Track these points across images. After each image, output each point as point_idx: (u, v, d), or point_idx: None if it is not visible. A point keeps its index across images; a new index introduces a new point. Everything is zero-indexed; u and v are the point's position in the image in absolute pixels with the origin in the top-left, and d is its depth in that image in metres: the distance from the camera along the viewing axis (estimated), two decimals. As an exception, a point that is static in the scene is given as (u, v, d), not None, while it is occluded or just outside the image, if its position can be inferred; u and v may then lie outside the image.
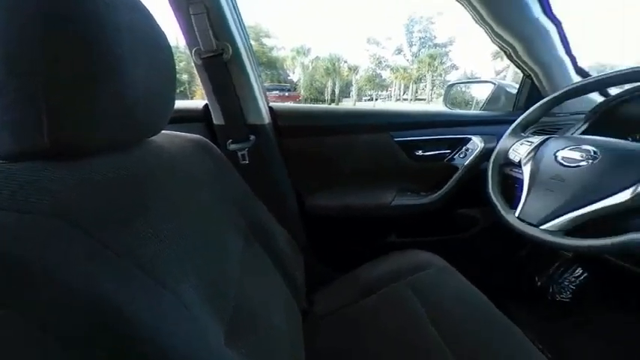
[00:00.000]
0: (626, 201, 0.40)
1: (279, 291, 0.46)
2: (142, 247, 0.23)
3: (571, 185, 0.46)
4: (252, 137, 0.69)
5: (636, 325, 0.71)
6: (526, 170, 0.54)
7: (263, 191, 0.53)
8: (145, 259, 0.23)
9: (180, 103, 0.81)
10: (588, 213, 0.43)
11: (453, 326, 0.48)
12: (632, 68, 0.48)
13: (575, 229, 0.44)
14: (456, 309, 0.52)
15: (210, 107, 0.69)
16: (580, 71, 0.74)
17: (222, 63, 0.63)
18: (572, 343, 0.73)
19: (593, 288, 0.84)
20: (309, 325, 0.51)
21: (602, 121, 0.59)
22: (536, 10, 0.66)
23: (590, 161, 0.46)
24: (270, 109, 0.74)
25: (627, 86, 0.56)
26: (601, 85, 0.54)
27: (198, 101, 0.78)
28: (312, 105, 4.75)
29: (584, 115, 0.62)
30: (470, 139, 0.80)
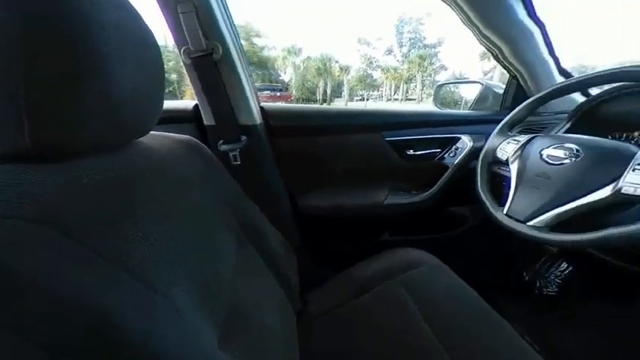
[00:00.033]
0: (606, 197, 0.41)
1: (272, 292, 0.46)
2: (131, 251, 0.22)
3: (556, 182, 0.48)
4: (243, 138, 0.68)
5: (619, 316, 0.74)
6: (513, 168, 0.56)
7: (255, 192, 0.53)
8: (135, 263, 0.22)
9: (169, 104, 0.80)
10: (572, 209, 0.44)
11: (445, 323, 0.49)
12: (611, 69, 0.50)
13: (560, 224, 0.46)
14: (447, 306, 0.52)
15: (200, 107, 0.68)
16: (563, 72, 0.76)
17: (212, 62, 0.62)
18: (559, 335, 0.75)
19: (577, 281, 0.87)
20: (303, 326, 0.51)
21: (584, 120, 0.61)
22: (521, 13, 0.68)
23: (573, 159, 0.48)
24: (262, 109, 0.74)
25: (607, 87, 0.58)
26: (582, 85, 0.56)
27: (187, 101, 0.76)
28: (303, 105, 4.74)
29: (567, 115, 0.64)
30: (459, 139, 0.82)
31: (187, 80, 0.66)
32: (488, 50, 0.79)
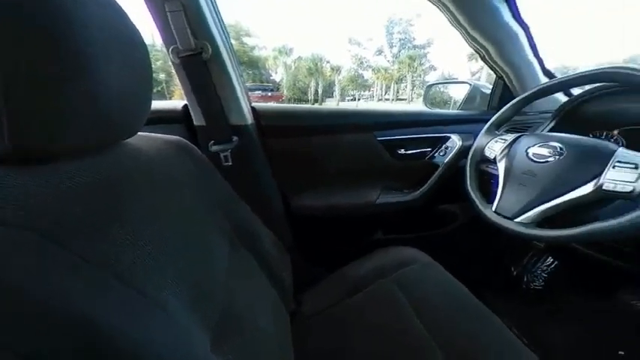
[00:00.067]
0: (588, 193, 0.43)
1: (266, 293, 0.45)
2: (119, 255, 0.22)
3: (541, 180, 0.49)
4: (235, 138, 0.67)
5: (602, 311, 0.77)
6: (501, 166, 0.57)
7: (248, 193, 0.52)
8: (124, 267, 0.22)
9: (157, 104, 0.79)
10: (556, 205, 0.46)
11: (437, 319, 0.50)
12: (591, 70, 0.51)
13: (546, 220, 0.47)
14: (439, 302, 0.53)
15: (189, 108, 0.67)
16: (547, 73, 0.79)
17: (201, 62, 0.61)
18: (545, 329, 0.77)
19: (562, 275, 0.90)
20: (298, 326, 0.51)
21: (566, 119, 0.63)
22: (506, 15, 0.70)
23: (557, 157, 0.49)
24: (253, 109, 0.73)
25: (587, 87, 0.60)
26: (565, 86, 0.58)
27: (176, 101, 0.75)
28: (295, 105, 4.73)
29: (551, 114, 0.66)
30: (449, 138, 0.84)
31: (176, 80, 0.65)
32: (476, 51, 0.81)
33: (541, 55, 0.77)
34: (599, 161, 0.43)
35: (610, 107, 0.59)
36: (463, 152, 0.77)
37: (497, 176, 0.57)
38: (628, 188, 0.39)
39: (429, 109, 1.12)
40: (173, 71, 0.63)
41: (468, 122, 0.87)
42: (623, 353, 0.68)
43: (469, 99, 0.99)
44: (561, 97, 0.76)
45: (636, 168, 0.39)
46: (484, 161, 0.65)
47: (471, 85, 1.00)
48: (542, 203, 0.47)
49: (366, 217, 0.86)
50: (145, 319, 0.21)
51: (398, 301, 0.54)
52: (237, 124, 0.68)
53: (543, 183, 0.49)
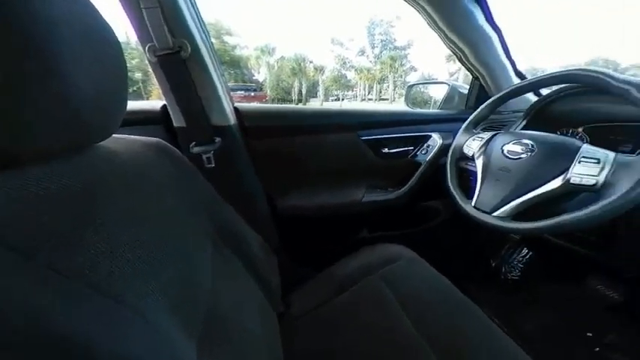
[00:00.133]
0: (558, 187, 0.46)
1: (252, 295, 0.45)
2: (94, 265, 0.21)
3: (515, 175, 0.52)
4: (217, 139, 0.66)
5: (573, 298, 0.82)
6: (479, 163, 0.60)
7: (232, 194, 0.51)
8: (100, 277, 0.21)
9: (134, 104, 0.75)
10: (529, 199, 0.49)
11: (423, 313, 0.51)
12: (559, 72, 0.55)
13: (520, 214, 0.50)
14: (425, 297, 0.55)
15: (169, 108, 0.65)
16: (519, 74, 0.83)
17: (180, 61, 0.59)
18: (522, 318, 0.82)
19: (537, 265, 0.95)
20: (286, 327, 0.51)
21: (537, 118, 0.67)
22: (480, 18, 0.73)
23: (529, 153, 0.52)
24: (236, 109, 0.72)
25: (555, 87, 0.64)
26: (534, 86, 0.62)
27: (155, 102, 0.72)
28: (278, 105, 4.69)
29: (522, 113, 0.70)
30: (430, 137, 0.86)
31: (154, 79, 0.62)
32: (453, 53, 0.84)
33: (513, 58, 0.81)
34: (567, 157, 0.46)
35: (575, 106, 0.63)
36: (444, 150, 0.79)
37: (475, 173, 0.60)
38: (592, 181, 0.42)
39: (410, 109, 1.15)
40: (150, 70, 0.61)
41: (447, 121, 0.90)
42: (591, 335, 0.73)
43: (448, 99, 1.02)
44: (532, 97, 0.80)
45: (598, 162, 0.43)
46: (463, 159, 0.67)
47: (449, 85, 1.04)
48: (517, 197, 0.50)
49: (352, 216, 0.87)
50: (124, 328, 0.20)
51: (385, 297, 0.55)
52: (220, 124, 0.67)
53: (517, 178, 0.51)
